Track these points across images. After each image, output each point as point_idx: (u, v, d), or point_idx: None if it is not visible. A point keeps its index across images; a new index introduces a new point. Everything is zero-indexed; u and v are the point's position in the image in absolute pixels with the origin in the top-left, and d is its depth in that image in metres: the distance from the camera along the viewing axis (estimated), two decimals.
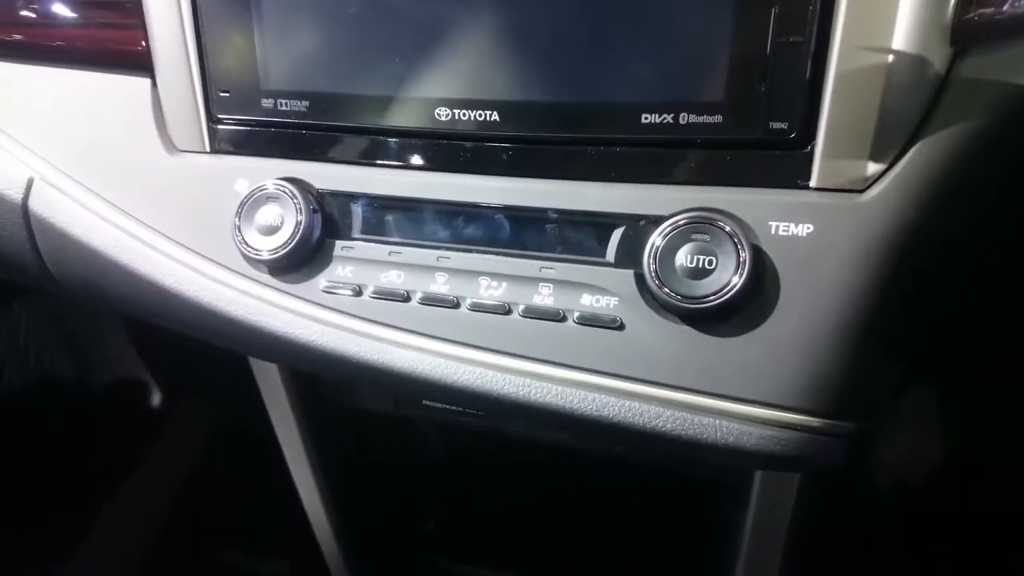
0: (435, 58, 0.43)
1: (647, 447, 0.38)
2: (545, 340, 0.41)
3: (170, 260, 0.48)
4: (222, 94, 0.48)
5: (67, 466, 1.03)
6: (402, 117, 0.44)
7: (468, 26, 0.41)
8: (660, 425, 0.37)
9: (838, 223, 0.36)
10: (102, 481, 1.06)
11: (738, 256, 0.36)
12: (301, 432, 0.75)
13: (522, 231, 0.43)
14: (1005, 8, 0.34)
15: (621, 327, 0.39)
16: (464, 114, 0.43)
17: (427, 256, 0.44)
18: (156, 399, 1.15)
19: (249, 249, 0.45)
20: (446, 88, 0.43)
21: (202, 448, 1.16)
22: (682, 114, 0.39)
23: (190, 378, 1.11)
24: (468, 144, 0.44)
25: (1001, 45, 0.35)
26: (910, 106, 0.35)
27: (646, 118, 0.39)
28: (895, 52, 0.34)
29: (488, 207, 0.43)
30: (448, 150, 0.44)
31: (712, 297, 0.36)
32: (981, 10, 0.34)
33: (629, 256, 0.40)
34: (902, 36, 0.34)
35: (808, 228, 0.36)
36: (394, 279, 0.44)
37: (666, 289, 0.37)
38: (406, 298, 0.44)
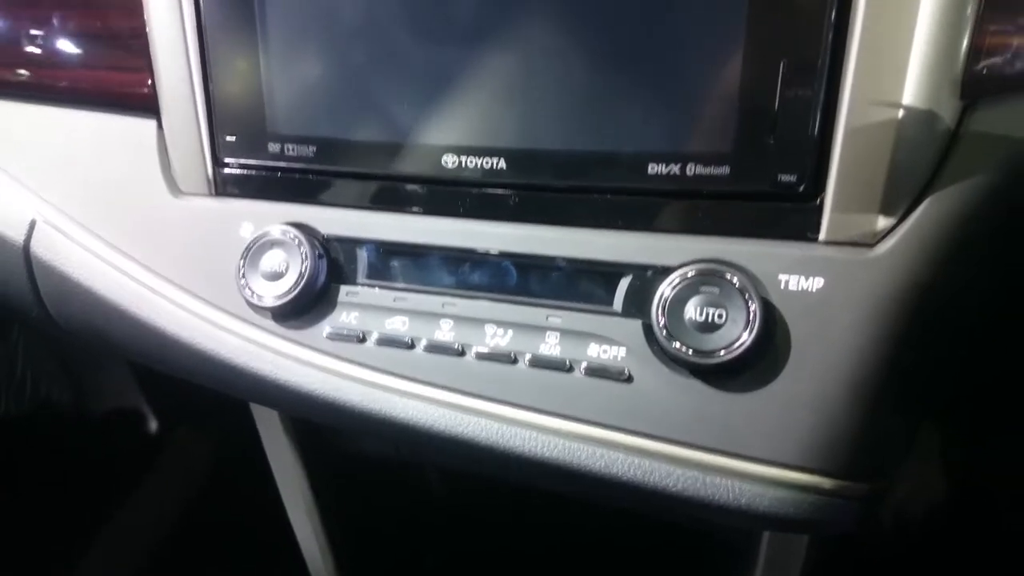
0: (442, 105, 0.43)
1: (657, 506, 0.37)
2: (552, 391, 0.40)
3: (172, 305, 0.47)
4: (228, 138, 0.48)
5: (61, 495, 1.02)
6: (409, 163, 0.44)
7: (475, 74, 0.42)
8: (671, 485, 0.36)
9: (849, 278, 0.35)
10: (96, 511, 1.05)
11: (748, 310, 0.36)
12: (298, 469, 0.74)
13: (528, 278, 0.43)
14: (1015, 62, 0.34)
15: (629, 379, 0.39)
16: (471, 161, 0.43)
17: (432, 303, 0.44)
18: (153, 429, 1.14)
19: (253, 295, 0.45)
20: (453, 135, 0.43)
21: (198, 480, 1.14)
22: (689, 164, 0.38)
23: (188, 409, 1.11)
24: (475, 190, 0.43)
25: (1011, 98, 0.34)
26: (920, 160, 0.35)
27: (653, 168, 0.39)
28: (905, 106, 0.34)
29: (494, 254, 0.43)
30: (455, 196, 0.44)
31: (722, 352, 0.36)
32: (991, 63, 0.34)
33: (637, 306, 0.39)
34: (912, 89, 0.34)
35: (819, 283, 0.36)
36: (399, 326, 0.44)
37: (675, 343, 0.37)
38: (410, 345, 0.43)
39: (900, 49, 0.34)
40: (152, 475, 1.12)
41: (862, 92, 0.34)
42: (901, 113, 0.34)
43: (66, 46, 0.52)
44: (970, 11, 0.33)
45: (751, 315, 0.36)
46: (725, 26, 0.36)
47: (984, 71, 0.34)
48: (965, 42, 0.34)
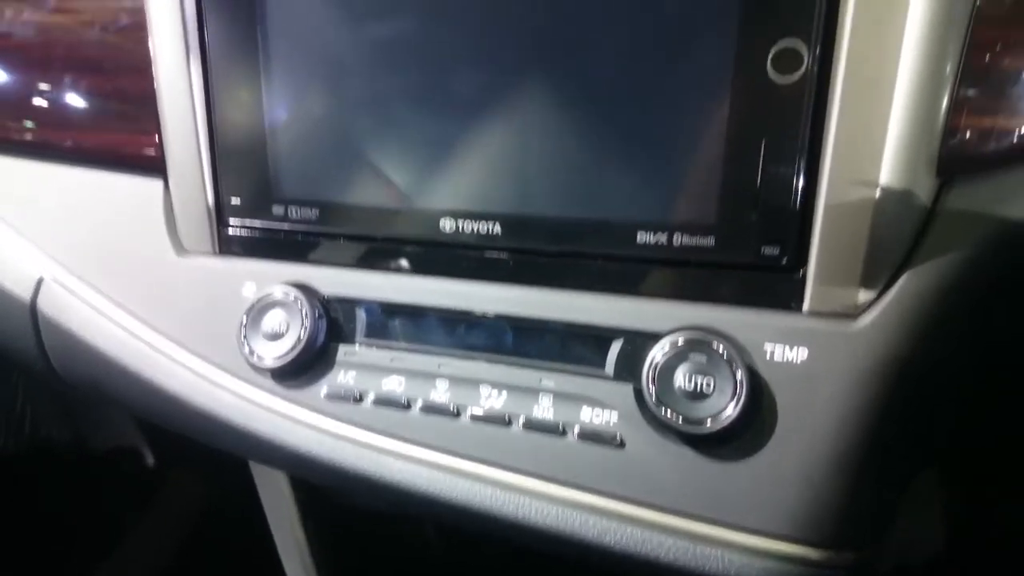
0: (440, 172, 0.44)
1: (649, 572, 0.38)
2: (546, 455, 0.41)
3: (173, 363, 0.48)
4: (233, 200, 0.49)
5: (57, 534, 1.02)
6: (408, 226, 0.46)
7: (472, 143, 0.43)
8: (663, 555, 0.37)
9: (832, 349, 0.36)
10: (92, 549, 1.04)
11: (735, 380, 0.37)
12: (294, 516, 0.74)
13: (522, 340, 0.44)
14: (989, 141, 0.36)
15: (622, 445, 0.39)
16: (467, 225, 0.44)
17: (429, 362, 0.45)
18: (150, 469, 1.13)
19: (254, 357, 0.46)
20: (450, 200, 0.44)
21: (193, 520, 1.14)
22: (676, 234, 0.40)
23: (185, 449, 1.10)
24: (471, 253, 0.45)
25: (986, 176, 0.36)
26: (898, 236, 0.36)
27: (641, 236, 0.41)
28: (883, 183, 0.36)
29: (489, 315, 0.44)
30: (451, 258, 0.45)
31: (710, 422, 0.37)
32: (966, 142, 0.36)
33: (628, 370, 0.40)
34: (889, 168, 0.35)
35: (803, 353, 0.37)
36: (395, 386, 0.45)
37: (665, 410, 0.38)
38: (407, 406, 0.44)
39: (877, 129, 0.35)
40: (148, 514, 1.11)
41: (840, 170, 0.36)
42: (879, 190, 0.36)
43: (77, 106, 0.54)
44: (945, 93, 0.35)
45: (738, 385, 0.37)
46: (709, 106, 0.38)
47: (959, 150, 0.36)
48: (940, 122, 0.35)
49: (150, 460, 1.14)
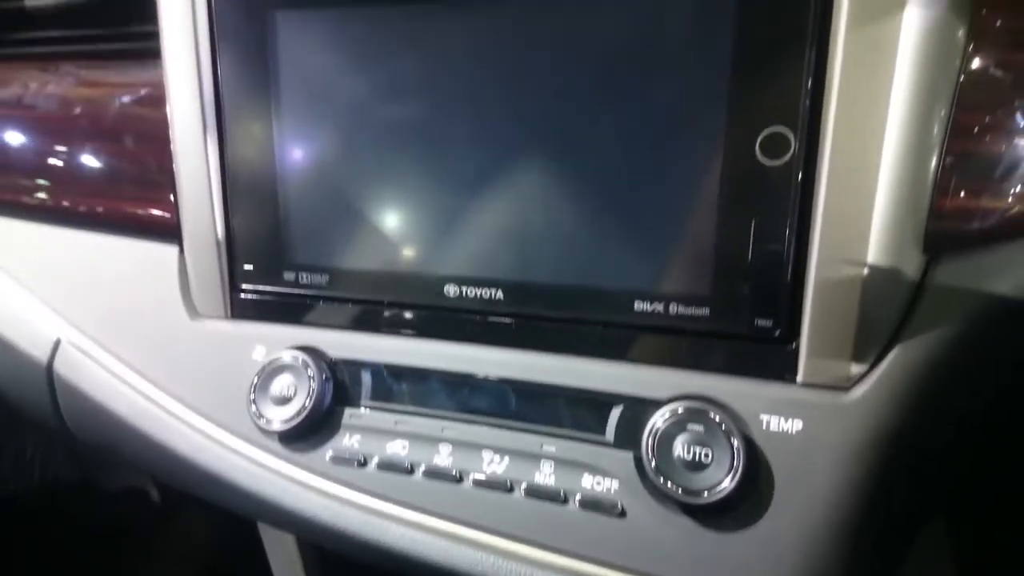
0: (445, 240, 0.46)
1: None
2: (547, 523, 0.41)
3: (185, 426, 0.49)
4: (246, 266, 0.51)
5: (65, 575, 1.01)
6: (414, 291, 0.47)
7: (475, 213, 0.45)
8: None
9: (826, 421, 0.37)
10: None
11: (732, 452, 0.37)
12: (298, 568, 0.74)
13: (524, 404, 0.45)
14: (973, 221, 0.37)
15: (623, 514, 0.40)
16: (470, 291, 0.46)
17: (432, 426, 0.46)
18: (157, 511, 1.14)
19: (263, 420, 0.47)
20: (454, 266, 0.46)
21: (200, 561, 1.13)
22: (672, 304, 0.41)
23: (192, 494, 1.11)
24: (474, 317, 0.46)
25: (972, 253, 0.37)
26: (888, 310, 0.37)
27: (638, 305, 0.42)
28: (871, 260, 0.37)
29: (492, 378, 0.45)
30: (455, 322, 0.47)
31: (707, 494, 0.37)
32: (952, 222, 0.37)
33: (628, 437, 0.41)
34: (876, 245, 0.37)
35: (798, 425, 0.38)
36: (399, 450, 0.45)
37: (665, 481, 0.38)
38: (410, 471, 0.45)
39: (864, 208, 0.37)
40: (154, 556, 1.11)
41: (829, 248, 0.37)
42: (867, 267, 0.37)
43: (97, 174, 0.56)
44: (929, 175, 0.37)
45: (735, 456, 0.37)
46: (701, 184, 0.39)
47: (945, 228, 0.37)
48: (925, 202, 0.37)
49: (157, 502, 1.14)
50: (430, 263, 0.46)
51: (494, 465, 0.44)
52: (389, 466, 0.45)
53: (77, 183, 0.57)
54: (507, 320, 0.45)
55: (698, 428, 0.39)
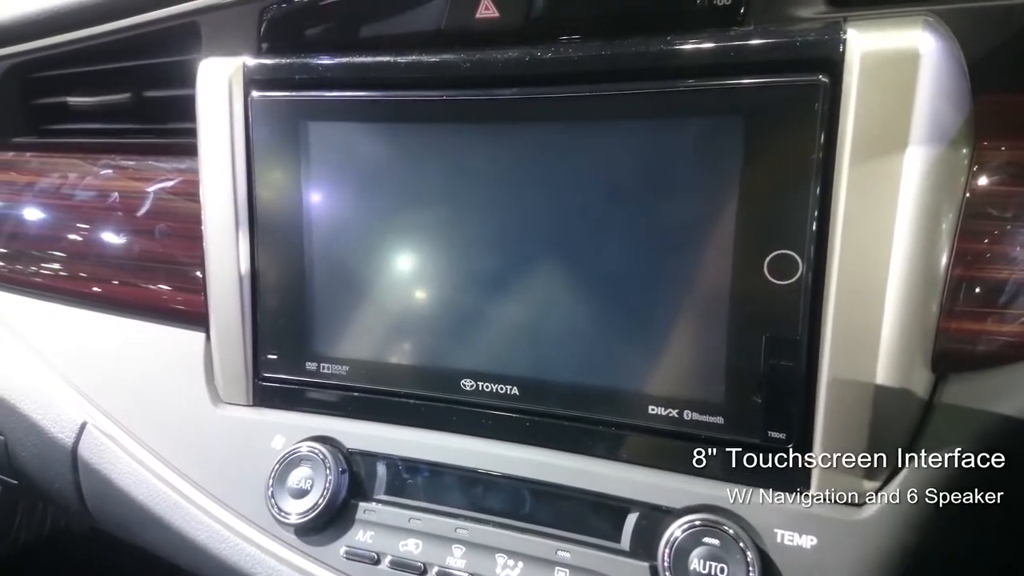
0: (463, 337, 0.47)
1: None
2: None
3: (203, 514, 0.50)
4: (271, 356, 0.52)
5: None
6: (431, 385, 0.48)
7: (493, 312, 0.46)
8: None
9: (840, 537, 0.37)
10: None
11: (747, 567, 0.38)
12: None
13: (539, 505, 0.45)
14: (979, 344, 0.38)
15: None
16: (487, 386, 0.47)
17: (445, 525, 0.46)
18: (170, 567, 1.12)
19: (280, 513, 0.47)
20: (471, 362, 0.47)
21: None
22: (686, 411, 0.42)
23: None
24: (490, 412, 0.47)
25: (980, 374, 0.38)
26: (898, 427, 0.38)
27: (653, 409, 0.43)
28: (880, 378, 0.38)
29: (506, 476, 0.46)
30: (471, 416, 0.47)
31: None
32: (958, 344, 0.38)
33: (643, 547, 0.41)
34: (885, 364, 0.37)
35: (812, 540, 0.38)
36: (412, 549, 0.46)
37: None
38: (423, 572, 0.45)
39: (872, 328, 0.38)
40: None
41: (839, 365, 0.38)
42: (877, 385, 0.38)
43: (128, 262, 0.59)
44: (935, 299, 0.38)
45: (749, 571, 0.37)
46: (712, 300, 0.41)
47: (952, 350, 0.38)
48: (932, 324, 0.38)
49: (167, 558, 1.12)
50: (449, 357, 0.48)
51: (508, 571, 0.44)
52: (402, 566, 0.45)
53: (108, 269, 0.59)
54: (522, 417, 0.46)
55: (714, 542, 0.39)
